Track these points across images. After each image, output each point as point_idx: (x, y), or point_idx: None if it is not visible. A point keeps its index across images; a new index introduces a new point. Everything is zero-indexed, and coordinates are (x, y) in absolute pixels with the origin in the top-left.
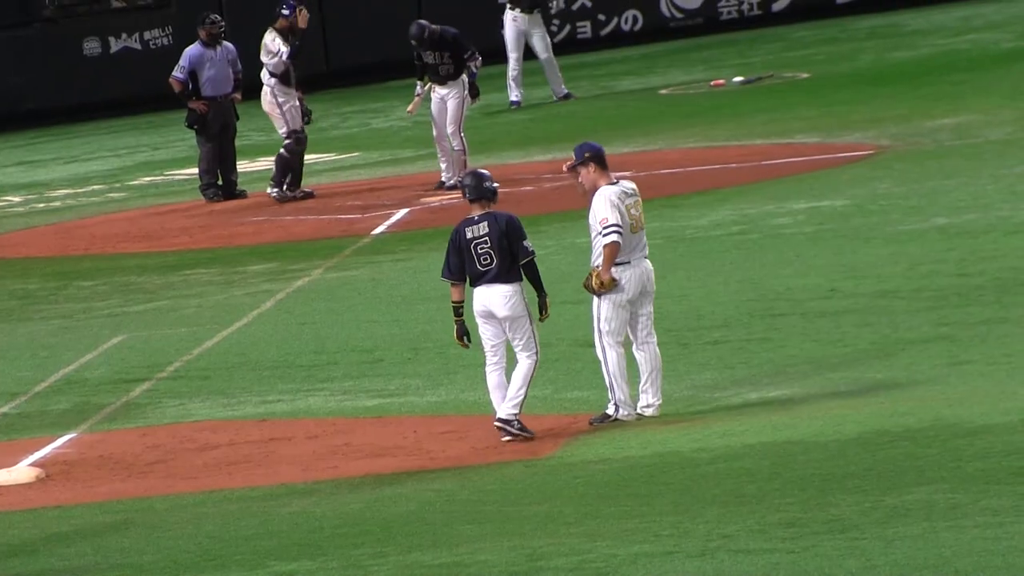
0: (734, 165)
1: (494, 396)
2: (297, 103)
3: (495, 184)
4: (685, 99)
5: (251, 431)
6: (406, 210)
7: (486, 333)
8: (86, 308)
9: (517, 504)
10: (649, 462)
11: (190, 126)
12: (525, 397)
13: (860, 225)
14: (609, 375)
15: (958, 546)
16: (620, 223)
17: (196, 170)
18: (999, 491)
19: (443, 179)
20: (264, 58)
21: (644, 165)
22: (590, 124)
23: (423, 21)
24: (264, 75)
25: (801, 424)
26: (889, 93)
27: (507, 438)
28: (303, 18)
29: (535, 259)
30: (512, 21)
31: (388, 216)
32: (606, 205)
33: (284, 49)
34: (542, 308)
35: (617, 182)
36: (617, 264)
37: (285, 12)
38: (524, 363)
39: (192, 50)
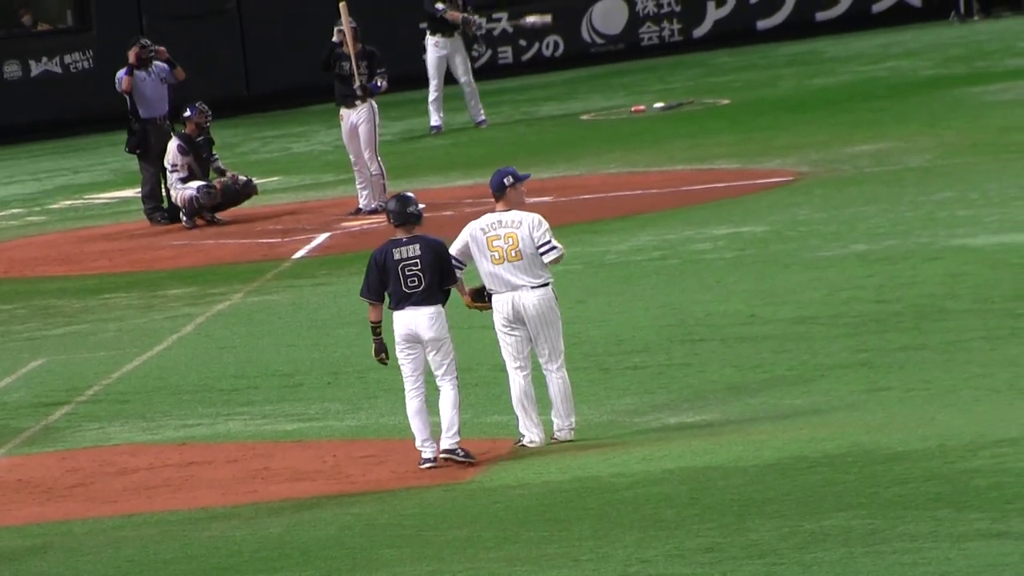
0: (655, 191)
1: (415, 421)
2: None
3: (420, 207)
4: (606, 125)
5: (171, 455)
6: (327, 234)
7: (407, 360)
8: (5, 332)
9: (436, 529)
10: (568, 487)
11: (131, 151)
12: (460, 423)
13: (780, 251)
14: (511, 402)
15: (876, 571)
16: (460, 257)
17: (117, 194)
18: (916, 516)
19: (360, 205)
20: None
21: (565, 190)
22: (511, 149)
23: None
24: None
25: (720, 449)
26: (809, 119)
27: (426, 465)
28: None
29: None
30: (434, 46)
31: (309, 240)
32: (461, 235)
33: (183, 162)
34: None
35: (507, 210)
36: (492, 293)
37: (188, 114)
38: (449, 392)
39: (123, 75)
